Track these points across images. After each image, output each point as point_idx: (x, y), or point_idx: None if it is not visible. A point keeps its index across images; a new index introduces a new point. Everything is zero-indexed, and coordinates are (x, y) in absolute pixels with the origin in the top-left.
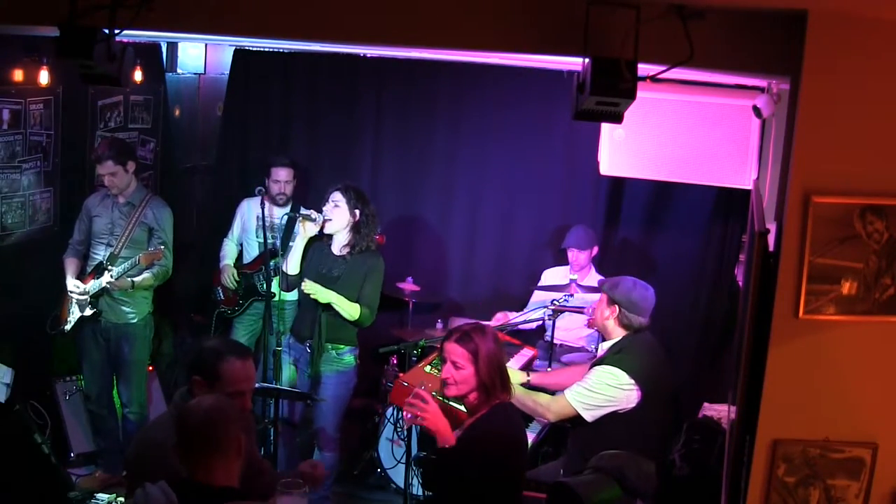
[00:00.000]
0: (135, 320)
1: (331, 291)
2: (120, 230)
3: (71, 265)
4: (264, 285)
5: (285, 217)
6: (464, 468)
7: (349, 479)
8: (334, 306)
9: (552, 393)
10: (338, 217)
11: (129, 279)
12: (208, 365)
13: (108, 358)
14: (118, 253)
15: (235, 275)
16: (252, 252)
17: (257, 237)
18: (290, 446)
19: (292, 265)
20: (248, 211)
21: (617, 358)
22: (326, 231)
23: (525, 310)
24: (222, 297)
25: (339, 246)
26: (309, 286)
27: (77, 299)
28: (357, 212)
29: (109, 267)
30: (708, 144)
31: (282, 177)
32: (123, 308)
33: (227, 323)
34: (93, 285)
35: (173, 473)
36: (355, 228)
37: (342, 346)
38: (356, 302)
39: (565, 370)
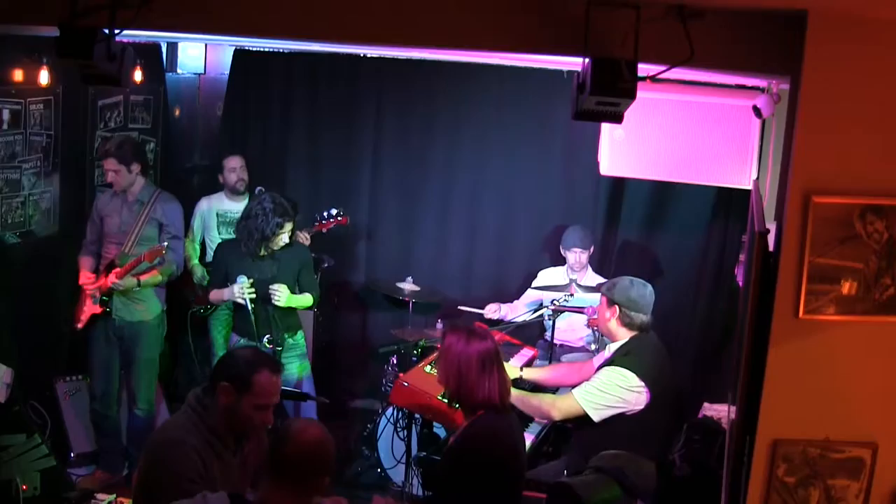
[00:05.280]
0: (148, 318)
1: (292, 296)
2: (130, 228)
3: (85, 263)
4: None
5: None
6: (458, 470)
7: (349, 479)
8: (297, 308)
9: (551, 391)
10: None
11: (133, 278)
12: (241, 373)
13: (119, 356)
14: (129, 251)
15: (206, 272)
16: None
17: (219, 233)
18: None
19: None
20: (208, 208)
21: (626, 360)
22: None
23: (517, 307)
24: (192, 297)
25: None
26: (280, 291)
27: (90, 292)
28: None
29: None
30: (708, 144)
31: (237, 164)
32: (137, 307)
33: (203, 323)
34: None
35: (192, 473)
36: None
37: (295, 333)
38: (302, 293)
39: (560, 366)
